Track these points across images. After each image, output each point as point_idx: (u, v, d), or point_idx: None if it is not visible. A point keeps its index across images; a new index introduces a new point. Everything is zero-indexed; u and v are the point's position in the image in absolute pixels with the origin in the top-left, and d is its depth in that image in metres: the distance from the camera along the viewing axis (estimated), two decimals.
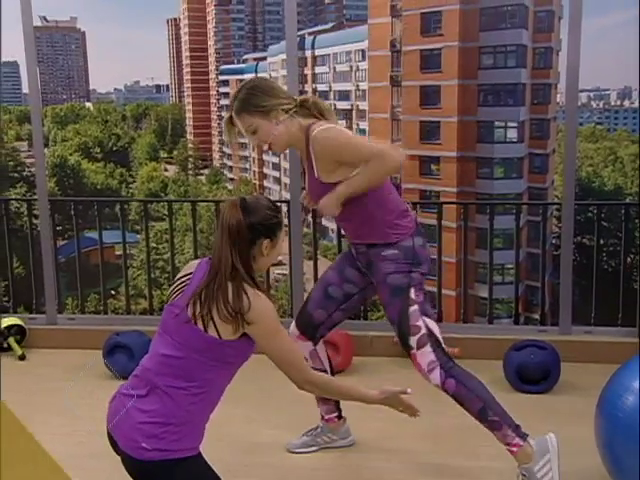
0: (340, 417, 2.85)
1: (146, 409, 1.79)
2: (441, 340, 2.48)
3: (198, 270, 1.89)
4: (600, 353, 3.62)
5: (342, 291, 2.65)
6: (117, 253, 18.91)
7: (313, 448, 2.85)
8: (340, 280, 2.65)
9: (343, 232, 2.74)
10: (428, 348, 2.45)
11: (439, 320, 3.94)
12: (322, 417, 2.85)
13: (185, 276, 1.91)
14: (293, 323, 2.73)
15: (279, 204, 2.14)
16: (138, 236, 20.70)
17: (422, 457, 2.81)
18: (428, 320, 2.47)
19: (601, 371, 2.60)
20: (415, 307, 2.46)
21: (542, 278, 4.50)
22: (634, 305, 3.73)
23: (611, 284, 4.08)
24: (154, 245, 22.97)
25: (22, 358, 3.88)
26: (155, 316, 4.67)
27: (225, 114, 2.53)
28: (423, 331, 2.45)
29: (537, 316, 3.99)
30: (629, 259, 4.27)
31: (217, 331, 1.79)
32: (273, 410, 3.22)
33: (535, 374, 3.37)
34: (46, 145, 25.70)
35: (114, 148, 37.79)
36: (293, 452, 2.84)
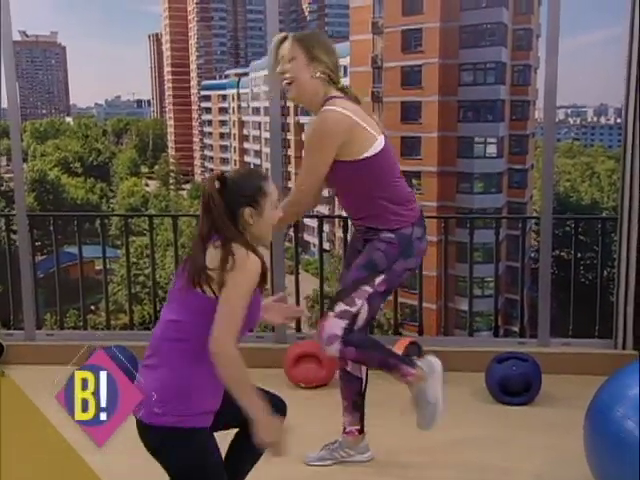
0: (361, 431, 2.81)
1: (156, 376, 1.88)
2: (356, 329, 2.46)
3: None
4: (578, 364, 3.66)
5: None
6: (97, 268, 18.75)
7: (329, 462, 2.82)
8: None
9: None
10: (342, 323, 2.44)
11: (420, 333, 3.96)
12: (343, 429, 2.81)
13: None
14: None
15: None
16: (118, 251, 20.56)
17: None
18: (366, 309, 2.46)
19: (580, 382, 2.64)
20: (368, 289, 2.46)
21: (521, 291, 4.53)
22: (610, 317, 3.78)
23: (588, 297, 4.13)
24: (135, 260, 22.79)
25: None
26: (136, 331, 4.66)
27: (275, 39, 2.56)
28: (353, 310, 2.45)
29: (516, 328, 4.03)
30: (606, 272, 4.31)
31: (212, 291, 1.87)
32: None
33: (517, 386, 3.40)
34: (25, 160, 25.47)
35: (94, 163, 37.59)
36: (309, 465, 2.81)
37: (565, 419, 2.70)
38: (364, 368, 2.74)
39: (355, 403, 2.75)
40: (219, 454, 1.96)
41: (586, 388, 2.48)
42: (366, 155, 2.44)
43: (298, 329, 4.20)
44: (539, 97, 24.54)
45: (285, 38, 2.53)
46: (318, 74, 2.47)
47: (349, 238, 3.44)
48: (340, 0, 34.85)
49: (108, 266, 4.77)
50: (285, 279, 3.99)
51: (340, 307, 2.45)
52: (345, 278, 2.56)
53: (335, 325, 2.44)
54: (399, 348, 3.68)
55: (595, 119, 31.47)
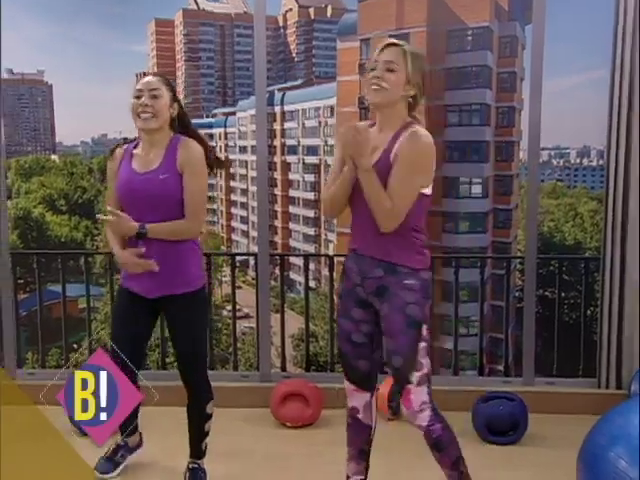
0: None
1: None
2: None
3: None
4: (562, 403, 3.66)
5: (362, 333, 2.55)
6: (80, 307, 18.58)
7: None
8: (354, 325, 2.55)
9: (354, 248, 2.52)
10: (425, 388, 2.43)
11: None
12: (347, 478, 2.70)
13: None
14: (346, 380, 2.65)
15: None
16: (102, 289, 20.40)
17: None
18: (429, 363, 2.45)
19: (565, 421, 2.64)
20: (424, 344, 2.42)
21: (506, 330, 4.54)
22: (594, 356, 3.79)
23: (572, 336, 4.15)
24: None
25: None
26: None
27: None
28: (425, 370, 2.43)
29: (501, 367, 4.03)
30: (589, 311, 4.34)
31: None
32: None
33: (504, 425, 3.39)
34: (9, 197, 25.43)
35: (79, 201, 37.52)
36: None
37: (553, 458, 2.69)
38: (374, 414, 2.66)
39: (362, 451, 2.66)
40: (121, 315, 2.74)
41: (571, 427, 2.48)
42: (427, 192, 2.47)
43: (283, 368, 4.17)
44: (523, 138, 24.89)
45: (396, 45, 2.42)
46: (407, 92, 2.42)
47: (335, 277, 3.40)
48: (327, 42, 35.37)
49: (92, 304, 4.72)
50: (270, 318, 3.98)
51: (415, 376, 2.42)
52: (399, 344, 2.42)
53: (420, 392, 2.43)
54: (386, 387, 3.67)
55: (578, 161, 31.88)
